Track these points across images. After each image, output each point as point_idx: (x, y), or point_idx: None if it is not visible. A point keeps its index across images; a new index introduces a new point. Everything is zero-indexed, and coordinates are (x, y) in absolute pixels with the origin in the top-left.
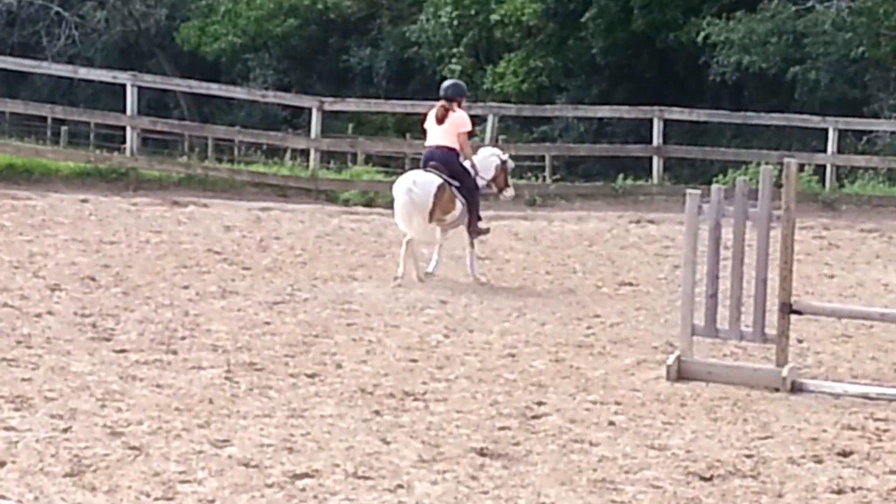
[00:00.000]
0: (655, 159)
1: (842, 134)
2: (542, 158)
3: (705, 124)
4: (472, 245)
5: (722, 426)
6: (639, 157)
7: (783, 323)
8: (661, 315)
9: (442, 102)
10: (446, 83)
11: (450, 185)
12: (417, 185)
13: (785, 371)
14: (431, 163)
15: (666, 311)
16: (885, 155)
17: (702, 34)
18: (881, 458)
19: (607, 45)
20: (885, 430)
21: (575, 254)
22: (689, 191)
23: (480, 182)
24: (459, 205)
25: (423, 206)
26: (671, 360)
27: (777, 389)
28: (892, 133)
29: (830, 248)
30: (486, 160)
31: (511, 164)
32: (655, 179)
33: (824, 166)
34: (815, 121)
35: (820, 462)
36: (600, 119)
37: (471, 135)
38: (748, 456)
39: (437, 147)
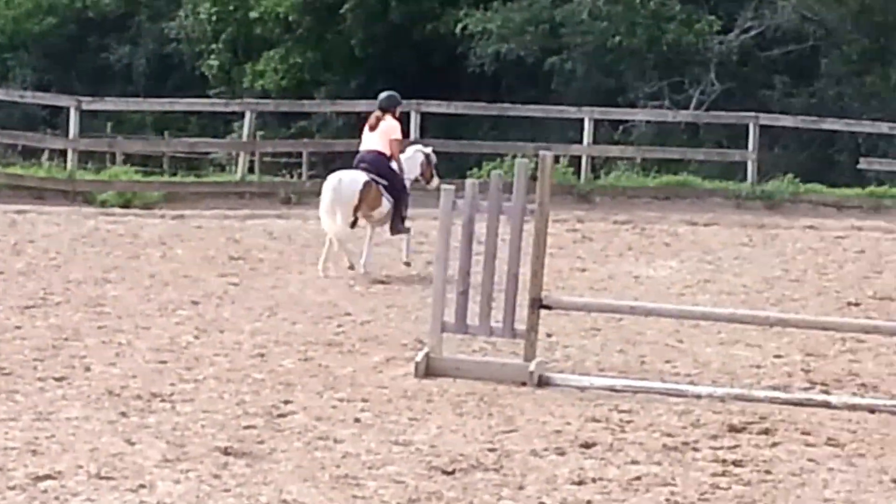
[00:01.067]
0: None
1: (598, 124)
2: (300, 155)
3: (463, 117)
4: (407, 231)
5: (467, 421)
6: None
7: (532, 318)
8: (413, 312)
9: (376, 112)
10: (382, 95)
11: (377, 183)
12: (344, 181)
13: (532, 366)
14: (362, 164)
15: (417, 308)
16: (639, 145)
17: (459, 25)
18: (623, 449)
19: (366, 37)
20: (629, 422)
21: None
22: (443, 186)
23: (408, 181)
24: (387, 202)
25: (349, 201)
26: (420, 356)
27: (524, 384)
28: (648, 122)
29: (584, 241)
30: (411, 159)
31: (434, 157)
32: None
33: (580, 157)
34: (571, 111)
35: (562, 454)
36: (358, 114)
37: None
38: (491, 449)
39: (368, 151)
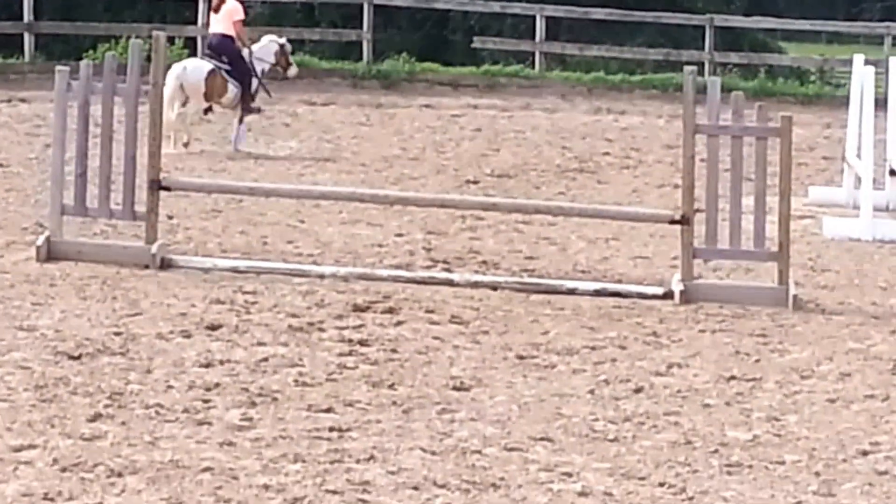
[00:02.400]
0: (27, 36)
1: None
2: None
3: None
4: (240, 121)
5: (92, 305)
6: (11, 35)
7: (152, 200)
8: (32, 196)
9: None
10: None
11: (220, 69)
12: (188, 69)
13: (154, 248)
14: (207, 51)
15: (37, 191)
16: (256, 26)
17: None
18: (249, 331)
19: None
20: (254, 303)
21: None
22: (58, 68)
23: (260, 66)
24: (233, 88)
25: (196, 89)
26: (41, 240)
27: (147, 266)
28: (263, 3)
29: (201, 123)
30: (266, 47)
31: (289, 46)
32: (27, 57)
33: (195, 38)
34: None
35: (189, 337)
36: None
37: (245, 22)
38: (117, 333)
39: (214, 34)
